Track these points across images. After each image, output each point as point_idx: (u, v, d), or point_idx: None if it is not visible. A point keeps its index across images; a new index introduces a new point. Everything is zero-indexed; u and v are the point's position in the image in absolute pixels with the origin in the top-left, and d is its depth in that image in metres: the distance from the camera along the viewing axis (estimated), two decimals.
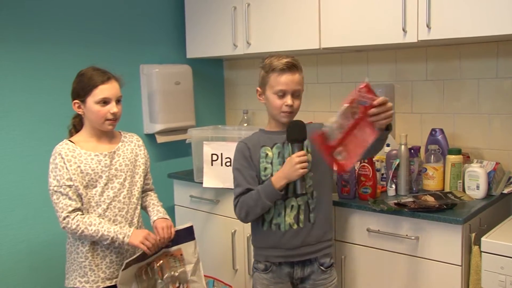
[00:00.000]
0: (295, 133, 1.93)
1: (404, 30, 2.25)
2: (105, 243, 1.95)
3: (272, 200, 1.93)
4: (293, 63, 1.94)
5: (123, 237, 1.94)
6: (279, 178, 1.91)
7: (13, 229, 2.54)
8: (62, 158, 1.95)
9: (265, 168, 1.99)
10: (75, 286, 2.02)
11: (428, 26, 2.18)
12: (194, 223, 2.90)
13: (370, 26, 2.38)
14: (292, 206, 1.98)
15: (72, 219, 1.91)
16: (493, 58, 2.42)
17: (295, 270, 2.03)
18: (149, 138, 3.13)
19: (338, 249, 2.32)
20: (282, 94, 1.95)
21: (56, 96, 2.66)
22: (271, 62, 1.96)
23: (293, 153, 1.92)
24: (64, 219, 1.92)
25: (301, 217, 1.98)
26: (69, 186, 1.93)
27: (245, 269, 2.72)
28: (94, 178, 1.99)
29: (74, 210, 1.93)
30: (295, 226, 1.98)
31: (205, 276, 2.83)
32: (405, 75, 2.71)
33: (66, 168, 1.94)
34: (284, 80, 1.93)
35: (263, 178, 1.98)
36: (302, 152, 1.90)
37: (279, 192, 1.91)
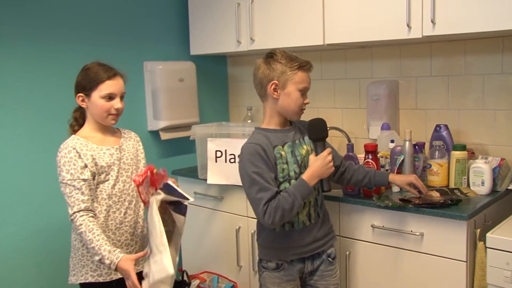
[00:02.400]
0: (318, 131, 1.98)
1: (408, 25, 2.25)
2: (95, 258, 1.90)
3: (306, 198, 1.93)
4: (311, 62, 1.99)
5: (110, 263, 1.87)
6: (311, 177, 1.91)
7: (17, 226, 2.55)
8: (77, 152, 1.96)
9: (283, 169, 1.96)
10: (87, 281, 2.02)
11: (432, 21, 2.17)
12: (199, 220, 2.93)
13: (374, 22, 2.37)
14: (304, 203, 1.98)
15: (80, 217, 1.91)
16: (498, 54, 2.41)
17: (306, 265, 2.04)
18: (153, 135, 3.13)
19: (342, 245, 2.32)
20: (303, 93, 1.96)
21: (60, 93, 2.66)
22: (293, 58, 1.93)
23: (316, 151, 1.97)
24: (74, 213, 1.92)
25: (312, 213, 2.01)
26: (83, 180, 1.94)
27: (249, 266, 2.72)
28: (107, 171, 2.02)
29: (85, 208, 1.93)
30: (308, 223, 2.00)
31: (209, 272, 2.85)
32: (410, 71, 2.71)
33: (82, 162, 1.95)
34: (308, 78, 1.97)
35: (281, 180, 1.95)
36: (330, 150, 1.96)
37: (313, 190, 1.95)
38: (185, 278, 2.80)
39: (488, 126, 2.47)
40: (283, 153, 1.96)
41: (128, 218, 2.08)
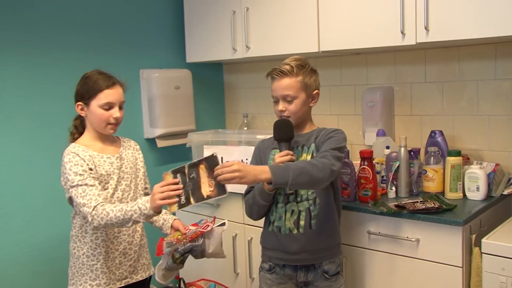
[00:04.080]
0: (280, 132, 1.94)
1: (402, 32, 2.26)
2: (129, 224, 1.86)
3: (265, 199, 1.96)
4: (280, 69, 1.95)
5: (145, 203, 1.83)
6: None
7: (15, 234, 2.55)
8: (80, 157, 1.96)
9: None
10: None
11: (426, 28, 2.19)
12: None
13: (368, 29, 2.39)
14: (293, 211, 1.98)
15: (100, 207, 1.87)
16: (491, 60, 2.43)
17: (298, 273, 2.03)
18: (150, 143, 3.14)
19: None
20: (276, 101, 1.99)
21: (57, 101, 2.67)
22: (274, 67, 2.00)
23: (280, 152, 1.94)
24: (94, 208, 1.86)
25: (302, 222, 1.97)
26: (94, 177, 1.94)
27: (246, 273, 2.72)
28: (107, 179, 2.01)
29: (103, 200, 1.89)
30: (295, 231, 1.98)
31: (206, 280, 2.84)
32: (404, 78, 2.72)
33: (86, 165, 1.95)
34: (274, 86, 1.99)
35: None
36: (284, 152, 1.91)
37: (268, 192, 1.94)
38: (182, 285, 2.79)
39: (483, 131, 2.49)
40: None
41: None
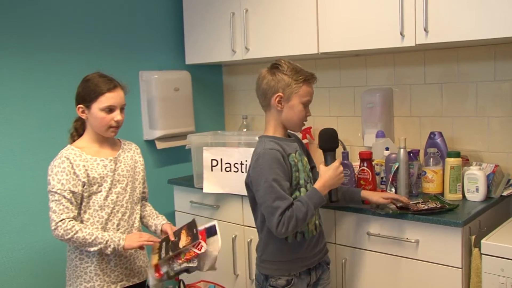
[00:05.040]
0: (330, 141, 2.00)
1: (401, 34, 2.27)
2: (93, 248, 1.93)
3: (317, 209, 1.95)
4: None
5: (119, 240, 1.96)
6: (323, 187, 1.90)
7: (12, 237, 2.54)
8: (71, 163, 1.97)
9: (296, 177, 1.95)
10: None
11: (425, 30, 2.19)
12: None
13: (368, 31, 2.39)
14: (312, 213, 1.98)
15: (70, 221, 1.93)
16: (490, 61, 2.43)
17: (311, 276, 2.03)
18: (149, 144, 3.13)
19: (338, 253, 2.32)
20: (306, 105, 1.96)
21: (57, 103, 2.67)
22: (298, 70, 1.92)
23: (326, 161, 1.98)
24: (61, 220, 1.92)
25: (317, 222, 2.03)
26: (73, 192, 1.95)
27: (246, 275, 2.72)
28: (100, 182, 2.02)
29: (74, 217, 1.95)
30: (315, 233, 2.01)
31: (206, 281, 2.84)
32: (404, 79, 2.72)
33: (74, 174, 1.96)
34: (312, 91, 1.98)
35: (293, 187, 1.94)
36: (339, 160, 1.97)
37: (325, 200, 1.93)
38: (182, 287, 2.79)
39: (482, 133, 2.49)
40: (296, 160, 1.96)
41: (122, 229, 2.07)
